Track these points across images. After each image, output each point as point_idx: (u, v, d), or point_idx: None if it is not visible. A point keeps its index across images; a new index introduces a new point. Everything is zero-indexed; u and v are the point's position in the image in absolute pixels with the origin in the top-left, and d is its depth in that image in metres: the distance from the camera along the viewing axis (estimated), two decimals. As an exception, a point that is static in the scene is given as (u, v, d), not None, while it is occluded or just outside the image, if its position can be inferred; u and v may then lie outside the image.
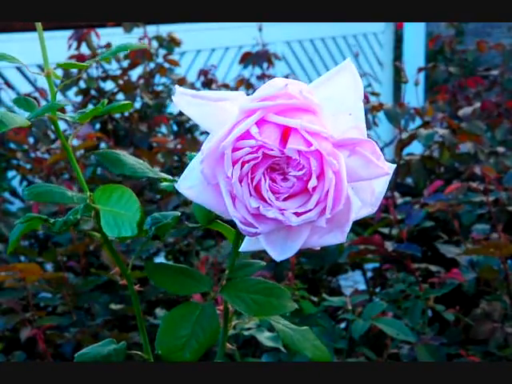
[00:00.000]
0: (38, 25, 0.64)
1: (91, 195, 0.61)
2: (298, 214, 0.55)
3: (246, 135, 0.54)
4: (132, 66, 2.52)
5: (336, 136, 0.54)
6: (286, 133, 0.54)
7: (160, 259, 1.93)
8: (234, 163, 0.54)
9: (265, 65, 2.78)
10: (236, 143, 0.54)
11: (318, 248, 0.59)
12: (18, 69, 2.85)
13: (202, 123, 0.57)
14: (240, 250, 0.61)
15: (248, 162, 0.54)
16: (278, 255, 0.57)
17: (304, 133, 0.53)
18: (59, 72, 1.50)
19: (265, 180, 0.55)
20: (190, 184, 0.57)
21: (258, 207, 0.55)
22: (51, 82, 0.64)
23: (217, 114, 0.56)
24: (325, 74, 0.57)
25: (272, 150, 0.54)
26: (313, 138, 0.53)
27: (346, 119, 0.56)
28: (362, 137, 0.55)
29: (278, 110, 0.54)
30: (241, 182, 0.55)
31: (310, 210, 0.54)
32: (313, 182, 0.54)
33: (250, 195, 0.55)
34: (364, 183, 0.57)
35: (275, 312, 0.66)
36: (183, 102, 0.56)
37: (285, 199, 0.55)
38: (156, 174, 0.65)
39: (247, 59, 2.80)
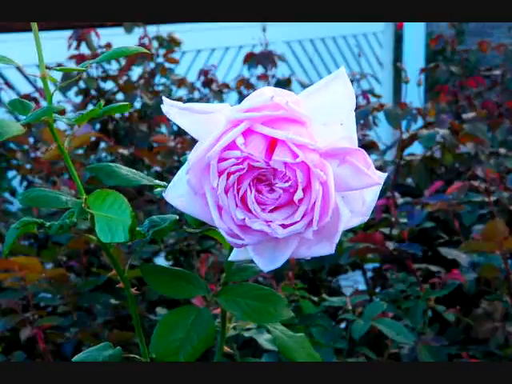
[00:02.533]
0: (34, 25, 0.64)
1: (86, 199, 0.62)
2: (284, 226, 0.54)
3: (232, 146, 0.53)
4: (128, 66, 2.52)
5: (326, 145, 0.54)
6: (272, 143, 0.54)
7: (160, 259, 1.93)
8: (220, 174, 0.54)
9: (268, 65, 2.77)
10: (222, 154, 0.53)
11: (309, 258, 0.58)
12: (19, 69, 2.85)
13: (192, 133, 0.56)
14: (229, 259, 0.60)
15: (233, 173, 0.54)
16: (265, 266, 0.56)
17: (291, 144, 0.53)
18: (59, 73, 1.50)
19: (251, 191, 0.54)
20: (178, 193, 0.57)
21: (244, 219, 0.54)
22: (47, 84, 0.64)
23: (206, 123, 0.55)
24: (317, 83, 0.56)
25: (258, 161, 0.53)
26: (299, 149, 0.53)
27: (337, 129, 0.55)
28: (352, 146, 0.54)
29: (264, 120, 0.54)
30: (227, 192, 0.54)
31: (297, 222, 0.54)
32: (299, 194, 0.53)
33: (236, 206, 0.54)
34: (355, 193, 0.56)
35: (271, 319, 0.66)
36: (172, 112, 0.56)
37: (271, 211, 0.55)
38: (150, 181, 0.66)
39: (251, 59, 2.80)
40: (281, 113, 0.54)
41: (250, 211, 0.55)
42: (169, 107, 0.55)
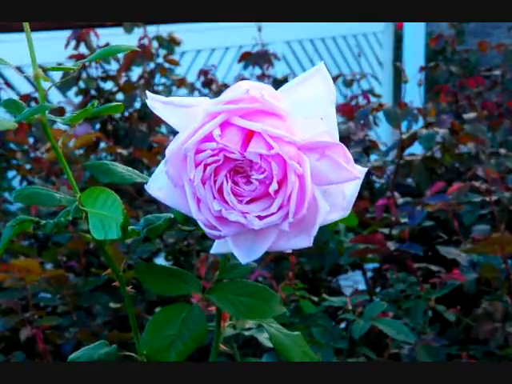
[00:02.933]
0: (26, 25, 0.64)
1: (80, 197, 0.62)
2: (260, 218, 0.54)
3: (209, 138, 0.54)
4: (126, 65, 2.52)
5: (305, 139, 0.54)
6: (250, 136, 0.54)
7: (160, 259, 1.93)
8: (197, 165, 0.54)
9: (265, 65, 2.78)
10: (198, 146, 0.54)
11: (290, 251, 0.59)
12: (18, 69, 2.85)
13: (176, 126, 0.57)
14: (210, 251, 0.61)
15: (210, 164, 0.54)
16: (243, 258, 0.57)
17: (266, 136, 0.53)
18: (59, 73, 1.49)
19: (227, 183, 0.55)
20: (159, 185, 0.58)
21: (221, 210, 0.55)
22: (40, 84, 0.64)
23: (187, 117, 0.56)
24: (298, 77, 0.57)
25: (233, 152, 0.54)
26: (274, 141, 0.53)
27: (318, 123, 0.55)
28: (332, 140, 0.55)
29: (241, 113, 0.54)
30: (204, 184, 0.55)
31: (273, 214, 0.54)
32: (273, 186, 0.54)
33: (214, 198, 0.55)
34: (335, 187, 0.56)
35: (264, 315, 0.66)
36: (158, 106, 0.56)
37: (248, 202, 0.55)
38: (144, 178, 0.66)
39: (246, 59, 2.80)
40: (256, 105, 0.54)
41: (226, 202, 0.55)
42: (153, 101, 0.56)
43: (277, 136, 0.53)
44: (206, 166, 0.54)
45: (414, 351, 1.38)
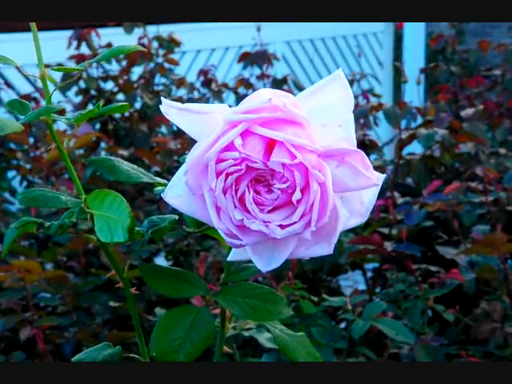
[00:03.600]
0: (33, 26, 0.64)
1: (85, 199, 0.62)
2: (282, 227, 0.54)
3: (230, 147, 0.53)
4: (129, 66, 2.52)
5: (324, 147, 0.54)
6: (271, 145, 0.54)
7: (160, 259, 1.93)
8: (218, 175, 0.54)
9: (264, 65, 2.78)
10: (220, 155, 0.53)
11: (307, 258, 0.58)
12: (18, 69, 2.85)
13: (190, 133, 0.56)
14: (228, 259, 0.61)
15: (231, 174, 0.54)
16: (264, 266, 0.56)
17: (288, 145, 0.53)
18: (59, 73, 1.49)
19: (249, 192, 0.54)
20: (176, 194, 0.57)
21: (242, 219, 0.54)
22: (46, 84, 0.64)
23: (204, 124, 0.55)
24: (316, 84, 0.56)
25: (255, 162, 0.53)
26: (297, 150, 0.53)
27: (336, 130, 0.55)
28: (351, 147, 0.55)
29: (262, 122, 0.54)
30: (225, 193, 0.54)
31: (295, 223, 0.54)
32: (297, 195, 0.53)
33: (235, 207, 0.54)
34: (353, 193, 0.56)
35: (271, 317, 0.66)
36: (172, 112, 0.56)
37: (269, 211, 0.55)
38: (151, 178, 0.66)
39: (246, 59, 2.80)
40: (278, 114, 0.54)
41: (248, 212, 0.55)
42: (167, 107, 0.56)
43: (299, 145, 0.53)
44: (227, 175, 0.54)
45: (413, 351, 1.38)
